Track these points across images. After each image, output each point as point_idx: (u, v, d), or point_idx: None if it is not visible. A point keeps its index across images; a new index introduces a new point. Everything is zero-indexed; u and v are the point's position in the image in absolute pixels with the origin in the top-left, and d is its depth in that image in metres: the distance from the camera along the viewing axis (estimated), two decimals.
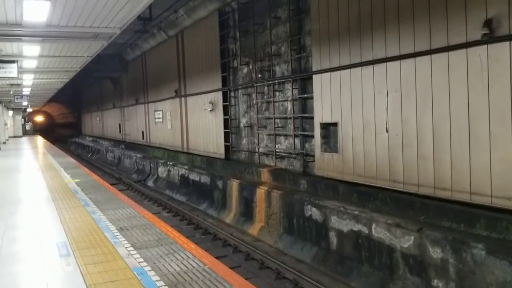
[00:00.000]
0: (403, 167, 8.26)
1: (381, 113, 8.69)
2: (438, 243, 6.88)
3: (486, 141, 6.76)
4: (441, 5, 7.33)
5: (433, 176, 7.65)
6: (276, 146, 12.86)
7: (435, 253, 6.91)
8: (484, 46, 6.70)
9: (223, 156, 15.87)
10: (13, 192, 10.95)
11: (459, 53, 7.10)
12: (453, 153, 7.29)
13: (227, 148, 15.76)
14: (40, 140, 40.30)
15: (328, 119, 10.20)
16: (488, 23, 6.58)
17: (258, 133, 13.79)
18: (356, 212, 8.58)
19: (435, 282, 6.92)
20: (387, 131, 8.59)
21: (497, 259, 6.06)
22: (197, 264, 5.15)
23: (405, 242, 7.42)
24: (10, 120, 45.78)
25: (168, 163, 19.46)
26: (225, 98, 15.67)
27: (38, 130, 76.33)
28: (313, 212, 9.71)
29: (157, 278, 4.73)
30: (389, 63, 8.44)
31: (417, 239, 7.23)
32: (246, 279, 5.02)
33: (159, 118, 22.92)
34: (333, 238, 9.11)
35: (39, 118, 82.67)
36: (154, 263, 5.20)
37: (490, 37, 6.58)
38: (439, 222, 7.43)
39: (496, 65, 6.58)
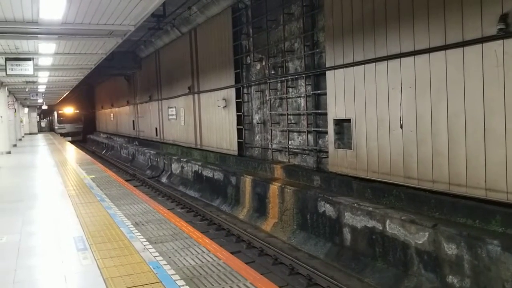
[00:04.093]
0: (417, 163, 8.22)
1: (395, 109, 8.65)
2: (453, 239, 6.85)
3: (502, 136, 6.71)
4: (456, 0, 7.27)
5: (448, 172, 7.61)
6: (290, 142, 12.86)
7: (450, 249, 6.88)
8: (500, 41, 6.64)
9: (236, 153, 15.92)
10: (30, 187, 11.11)
11: (474, 48, 7.04)
12: (468, 149, 7.25)
13: (240, 144, 15.80)
14: (54, 137, 40.64)
15: (341, 115, 10.18)
16: (503, 18, 6.52)
17: (271, 129, 13.81)
18: (370, 209, 8.57)
19: (450, 278, 6.89)
20: (401, 127, 8.55)
21: None
22: (212, 258, 5.19)
23: (420, 238, 7.40)
24: (26, 117, 46.33)
25: (182, 159, 19.56)
26: (238, 94, 15.70)
27: (68, 131, 48.80)
28: (327, 208, 9.71)
29: (173, 272, 4.78)
30: (403, 59, 8.40)
31: (431, 235, 7.20)
32: (260, 274, 5.05)
33: (172, 114, 23.04)
34: (347, 234, 9.11)
35: (68, 110, 51.07)
36: (170, 257, 5.25)
37: (506, 32, 6.52)
38: (454, 218, 7.39)
39: None
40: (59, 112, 50.66)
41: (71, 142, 36.73)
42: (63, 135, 46.45)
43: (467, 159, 7.28)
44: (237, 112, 15.77)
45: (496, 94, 6.75)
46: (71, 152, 22.23)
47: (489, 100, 6.87)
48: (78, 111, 51.10)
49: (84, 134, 49.97)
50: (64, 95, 36.08)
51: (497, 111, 6.76)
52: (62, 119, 50.65)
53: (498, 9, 6.61)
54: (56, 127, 50.76)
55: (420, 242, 7.40)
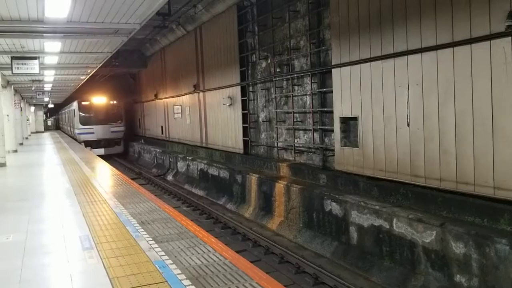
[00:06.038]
0: (424, 162, 8.15)
1: (402, 106, 8.58)
2: (461, 238, 6.79)
3: (510, 134, 6.63)
4: None
5: (456, 170, 7.54)
6: (295, 140, 12.81)
7: (458, 248, 6.82)
8: (508, 38, 6.56)
9: (241, 151, 15.89)
10: (36, 186, 11.13)
11: (482, 45, 6.97)
12: (476, 147, 7.17)
13: (245, 142, 15.77)
14: (60, 135, 40.72)
15: (348, 113, 10.12)
16: None
17: (277, 127, 13.76)
18: (377, 207, 8.51)
19: (457, 277, 6.83)
20: (408, 125, 8.49)
21: None
22: (217, 258, 5.16)
23: (427, 237, 7.34)
24: (32, 116, 46.53)
25: (187, 157, 19.56)
26: (244, 92, 15.67)
27: (100, 138, 28.73)
28: (333, 206, 9.66)
29: (179, 271, 4.75)
30: (410, 56, 8.33)
31: (439, 234, 7.14)
32: (266, 273, 5.01)
33: (178, 113, 23.04)
34: (353, 233, 9.06)
35: (100, 100, 30.10)
36: (175, 257, 5.22)
37: None
38: (461, 217, 7.33)
39: None
40: (83, 103, 29.80)
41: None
42: (90, 144, 27.64)
43: (475, 157, 7.20)
44: (242, 110, 15.73)
45: (505, 91, 6.67)
46: (76, 150, 22.26)
47: (497, 98, 6.79)
48: (115, 101, 30.79)
49: (126, 142, 30.99)
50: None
51: (505, 108, 6.69)
52: (88, 117, 29.66)
53: (506, 6, 6.53)
54: (77, 131, 29.61)
55: (428, 241, 7.34)
